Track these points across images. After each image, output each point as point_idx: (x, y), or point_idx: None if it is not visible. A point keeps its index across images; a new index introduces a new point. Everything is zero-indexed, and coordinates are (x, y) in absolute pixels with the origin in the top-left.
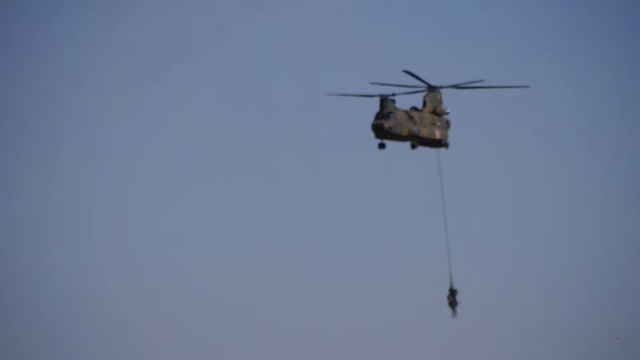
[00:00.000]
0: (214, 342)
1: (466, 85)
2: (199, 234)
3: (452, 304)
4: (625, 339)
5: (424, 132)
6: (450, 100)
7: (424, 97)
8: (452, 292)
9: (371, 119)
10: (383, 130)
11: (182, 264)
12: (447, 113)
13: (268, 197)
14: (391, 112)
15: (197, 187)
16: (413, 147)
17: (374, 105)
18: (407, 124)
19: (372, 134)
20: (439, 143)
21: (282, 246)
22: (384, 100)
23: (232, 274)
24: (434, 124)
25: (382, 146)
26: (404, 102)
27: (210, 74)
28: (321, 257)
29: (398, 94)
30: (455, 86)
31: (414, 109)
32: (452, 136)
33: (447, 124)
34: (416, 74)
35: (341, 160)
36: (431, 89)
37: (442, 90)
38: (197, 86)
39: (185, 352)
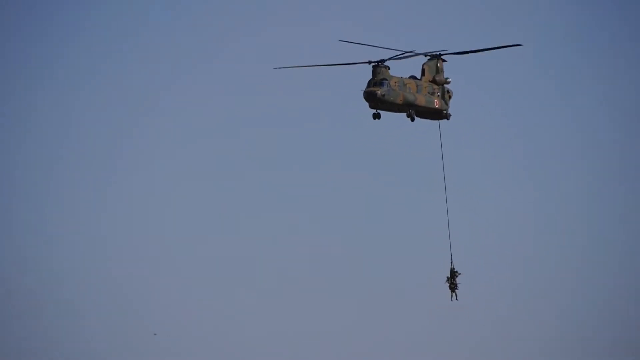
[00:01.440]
0: (214, 343)
1: (462, 51)
2: (203, 235)
3: (452, 286)
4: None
5: (421, 101)
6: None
7: (423, 65)
8: (453, 274)
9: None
10: (376, 98)
11: (181, 265)
12: (448, 82)
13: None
14: (385, 79)
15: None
16: (411, 118)
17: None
18: (402, 92)
19: (365, 104)
20: (439, 113)
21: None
22: (377, 66)
23: (233, 274)
24: (432, 93)
25: (377, 116)
26: (401, 71)
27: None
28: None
29: (392, 60)
30: (457, 52)
31: (413, 77)
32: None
33: (448, 94)
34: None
35: (335, 132)
36: (431, 56)
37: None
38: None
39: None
